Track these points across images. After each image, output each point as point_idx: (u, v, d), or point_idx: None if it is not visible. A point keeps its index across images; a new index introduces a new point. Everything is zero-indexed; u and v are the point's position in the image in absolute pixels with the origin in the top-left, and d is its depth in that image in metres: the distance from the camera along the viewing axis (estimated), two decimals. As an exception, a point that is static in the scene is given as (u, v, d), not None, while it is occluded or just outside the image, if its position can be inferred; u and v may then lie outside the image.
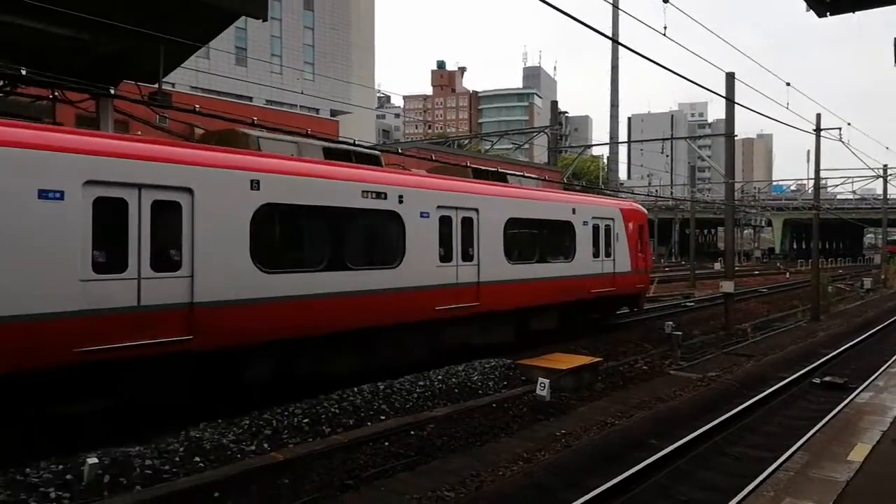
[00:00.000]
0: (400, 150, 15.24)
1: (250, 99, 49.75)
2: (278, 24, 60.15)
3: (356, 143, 12.63)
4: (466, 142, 66.30)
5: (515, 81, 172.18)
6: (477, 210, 13.97)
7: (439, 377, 12.05)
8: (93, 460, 7.14)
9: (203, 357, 9.22)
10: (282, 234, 10.84)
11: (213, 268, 9.24)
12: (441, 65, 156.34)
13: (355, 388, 10.86)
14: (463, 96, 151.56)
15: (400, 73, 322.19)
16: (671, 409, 11.34)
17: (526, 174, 17.56)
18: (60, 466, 7.21)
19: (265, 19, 12.43)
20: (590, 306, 18.13)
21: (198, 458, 7.95)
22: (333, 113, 56.59)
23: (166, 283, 8.81)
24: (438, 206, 13.03)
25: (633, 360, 15.65)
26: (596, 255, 18.06)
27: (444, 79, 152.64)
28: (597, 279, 17.96)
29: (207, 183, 9.28)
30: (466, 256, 13.72)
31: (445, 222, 13.25)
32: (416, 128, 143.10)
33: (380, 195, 11.75)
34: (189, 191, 9.05)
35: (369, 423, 9.73)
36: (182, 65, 13.59)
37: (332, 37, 66.05)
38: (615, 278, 18.75)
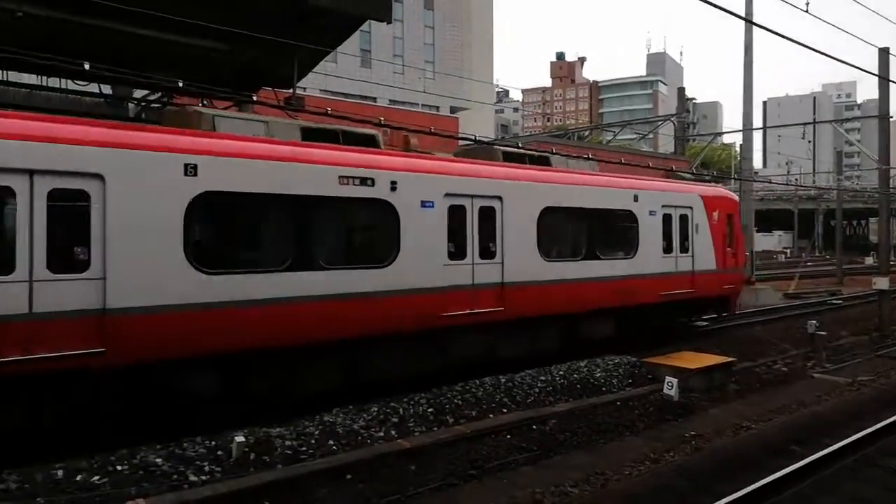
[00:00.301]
0: (519, 145, 15.13)
1: (374, 99, 51.55)
2: (400, 26, 61.83)
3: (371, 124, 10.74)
4: (587, 133, 64.89)
5: (638, 70, 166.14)
6: (501, 198, 11.98)
7: (561, 372, 11.94)
8: (240, 438, 7.78)
9: (121, 372, 8.01)
10: (228, 229, 9.32)
11: (132, 268, 7.94)
12: (560, 56, 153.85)
13: (477, 381, 11.01)
14: (583, 87, 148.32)
15: (518, 67, 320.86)
16: (815, 415, 10.54)
17: (590, 156, 14.94)
18: (213, 443, 7.91)
19: (389, 21, 12.86)
20: (663, 311, 15.40)
21: (331, 442, 8.42)
22: (453, 110, 57.37)
23: (66, 287, 7.58)
24: (447, 195, 11.17)
25: (770, 362, 14.67)
26: (668, 250, 15.41)
27: (564, 70, 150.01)
28: (668, 279, 15.29)
29: (123, 167, 7.92)
30: (487, 253, 11.76)
31: (457, 213, 11.35)
32: (535, 121, 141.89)
33: (365, 181, 10.02)
34: (99, 177, 7.79)
35: (491, 416, 9.85)
36: (313, 70, 14.41)
37: (451, 34, 66.94)
38: (694, 278, 16.01)
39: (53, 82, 12.06)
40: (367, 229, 10.98)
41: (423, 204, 10.82)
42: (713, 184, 19.07)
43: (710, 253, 16.49)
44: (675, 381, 10.91)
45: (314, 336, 9.52)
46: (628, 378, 12.22)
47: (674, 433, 9.49)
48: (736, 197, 18.94)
